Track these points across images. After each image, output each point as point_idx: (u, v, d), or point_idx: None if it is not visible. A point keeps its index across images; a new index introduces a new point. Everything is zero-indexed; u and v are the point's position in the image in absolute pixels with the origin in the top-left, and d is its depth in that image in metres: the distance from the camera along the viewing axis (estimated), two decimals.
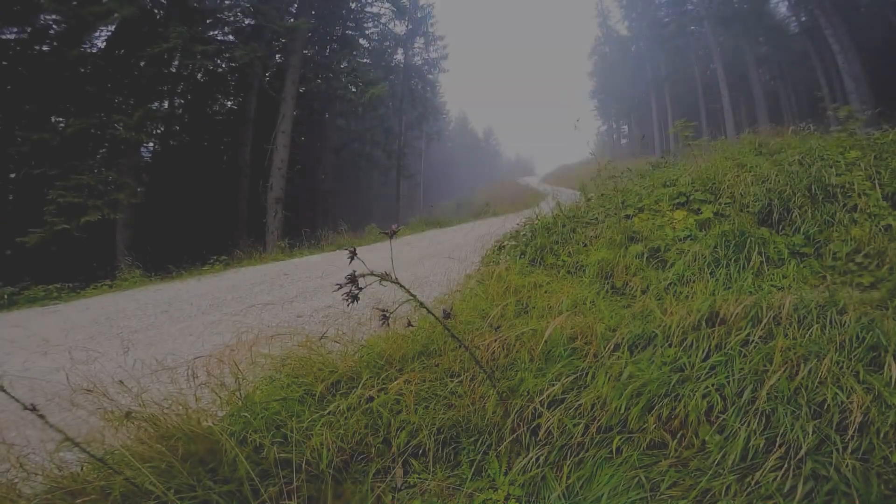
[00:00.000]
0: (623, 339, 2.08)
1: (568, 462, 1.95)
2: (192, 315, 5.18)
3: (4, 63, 14.38)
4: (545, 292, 3.10)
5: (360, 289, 1.22)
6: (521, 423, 1.90)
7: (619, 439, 1.88)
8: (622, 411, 1.89)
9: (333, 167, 25.17)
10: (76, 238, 11.51)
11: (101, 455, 1.90)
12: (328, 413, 2.08)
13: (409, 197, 32.50)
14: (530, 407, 1.92)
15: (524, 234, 4.51)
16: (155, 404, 2.12)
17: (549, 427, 1.82)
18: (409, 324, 1.51)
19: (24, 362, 4.04)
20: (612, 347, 2.08)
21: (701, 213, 4.34)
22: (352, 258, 1.24)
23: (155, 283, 8.37)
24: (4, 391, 1.54)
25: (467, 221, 14.85)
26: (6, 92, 14.41)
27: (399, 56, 29.96)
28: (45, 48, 15.03)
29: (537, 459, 1.94)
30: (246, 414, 2.05)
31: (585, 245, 3.98)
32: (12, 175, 15.53)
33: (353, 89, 21.63)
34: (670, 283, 3.10)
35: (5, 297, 8.32)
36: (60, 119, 14.95)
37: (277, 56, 20.73)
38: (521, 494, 1.92)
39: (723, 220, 4.15)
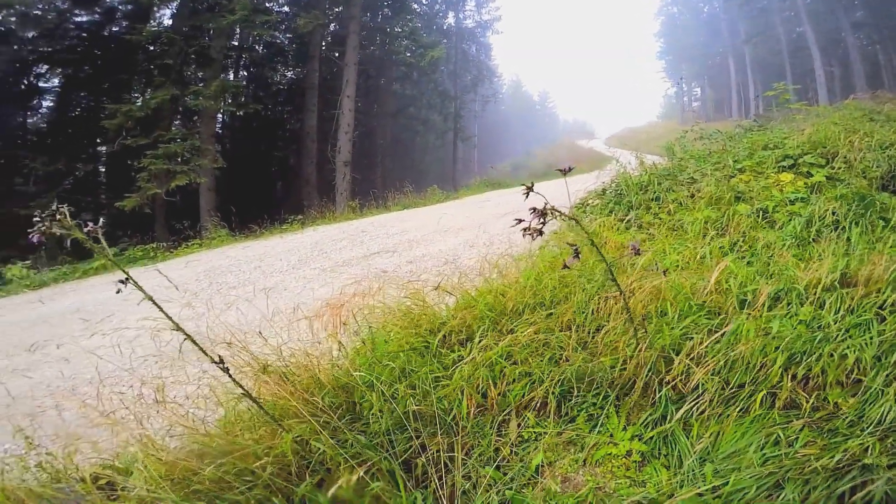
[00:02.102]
0: (761, 295, 2.01)
1: (695, 418, 1.94)
2: (284, 270, 5.50)
3: (83, 45, 15.49)
4: (644, 249, 3.04)
5: (544, 223, 1.26)
6: (655, 378, 1.90)
7: (761, 397, 1.85)
8: (767, 368, 1.85)
9: (391, 131, 25.46)
10: (166, 201, 12.52)
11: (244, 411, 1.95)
12: (464, 362, 2.10)
13: (463, 160, 32.30)
14: (677, 362, 1.90)
15: (611, 193, 4.43)
16: (291, 357, 2.17)
17: (692, 382, 1.81)
18: (577, 254, 1.48)
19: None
20: (762, 303, 2.01)
21: (812, 176, 4.12)
22: (527, 194, 1.27)
23: (240, 241, 8.94)
24: (194, 343, 1.58)
25: (528, 183, 14.57)
26: (85, 71, 15.59)
27: (450, 20, 29.27)
28: (114, 29, 16.04)
29: (664, 415, 1.94)
30: (389, 363, 2.09)
31: (681, 204, 3.87)
32: (102, 148, 16.99)
33: (408, 54, 21.51)
34: (786, 244, 2.96)
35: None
36: (136, 94, 16.08)
37: (332, 25, 20.91)
38: (646, 450, 1.91)
39: (836, 184, 3.92)
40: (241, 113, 17.84)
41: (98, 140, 16.82)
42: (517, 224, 1.28)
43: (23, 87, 16.53)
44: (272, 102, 21.74)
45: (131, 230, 12.12)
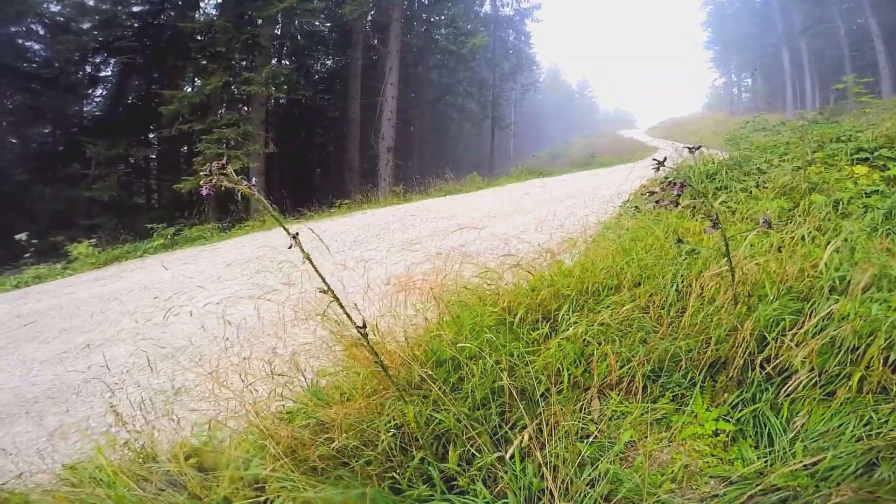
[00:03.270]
0: (861, 279, 2.02)
1: (783, 399, 1.97)
2: (340, 251, 5.68)
3: (137, 34, 16.21)
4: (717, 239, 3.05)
5: (679, 195, 1.33)
6: (749, 359, 1.95)
7: (857, 379, 1.87)
8: (861, 351, 1.88)
9: (428, 119, 25.62)
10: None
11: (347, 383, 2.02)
12: (561, 338, 2.17)
13: (499, 147, 32.16)
14: (777, 344, 1.94)
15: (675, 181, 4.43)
16: (379, 330, 2.18)
17: (797, 361, 1.85)
18: (714, 224, 1.51)
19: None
20: (861, 288, 2.02)
21: (888, 169, 4.04)
22: (658, 168, 1.34)
23: (291, 223, 9.23)
24: (341, 306, 1.62)
25: (571, 171, 14.61)
26: (139, 60, 16.33)
27: (486, 7, 28.91)
28: (163, 18, 16.69)
29: (753, 396, 1.98)
30: (488, 335, 2.15)
31: (750, 193, 3.85)
32: (152, 135, 17.85)
33: (445, 43, 21.52)
34: (877, 234, 2.92)
35: (168, 236, 9.72)
36: (185, 82, 16.79)
37: (370, 13, 21.11)
38: (734, 430, 1.92)
39: None
40: (284, 101, 18.30)
41: (152, 126, 17.67)
42: (650, 196, 1.35)
43: (79, 76, 17.49)
44: (313, 90, 22.24)
45: (186, 212, 12.70)
